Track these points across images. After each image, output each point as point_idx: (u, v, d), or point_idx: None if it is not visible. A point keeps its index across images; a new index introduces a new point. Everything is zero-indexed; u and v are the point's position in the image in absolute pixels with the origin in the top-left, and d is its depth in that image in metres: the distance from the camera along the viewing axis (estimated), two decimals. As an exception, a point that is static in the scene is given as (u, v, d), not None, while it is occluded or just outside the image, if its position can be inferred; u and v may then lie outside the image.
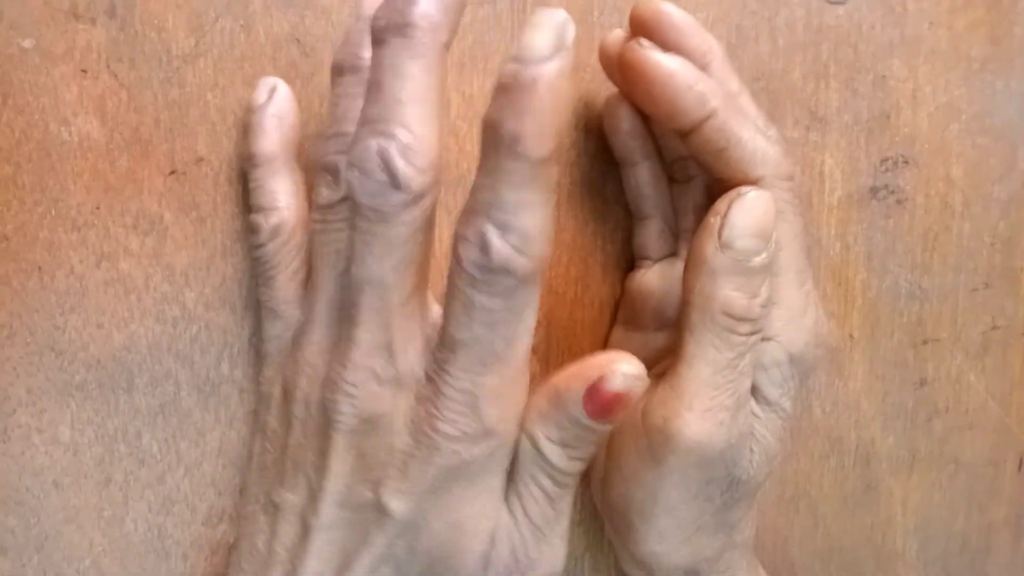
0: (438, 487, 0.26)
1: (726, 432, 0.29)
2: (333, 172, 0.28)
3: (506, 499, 0.28)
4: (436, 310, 0.28)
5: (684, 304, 0.30)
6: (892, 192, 0.39)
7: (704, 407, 0.29)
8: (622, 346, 0.35)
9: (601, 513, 0.35)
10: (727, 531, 0.32)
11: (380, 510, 0.27)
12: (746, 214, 0.28)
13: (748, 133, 0.30)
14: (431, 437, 0.26)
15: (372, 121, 0.24)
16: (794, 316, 0.31)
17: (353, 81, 0.29)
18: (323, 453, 0.27)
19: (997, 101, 0.40)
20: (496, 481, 0.27)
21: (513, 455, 0.27)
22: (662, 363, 0.32)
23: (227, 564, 0.32)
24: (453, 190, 0.34)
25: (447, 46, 0.25)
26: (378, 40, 0.25)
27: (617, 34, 0.32)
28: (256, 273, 0.31)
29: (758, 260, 0.29)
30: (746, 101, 0.32)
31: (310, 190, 0.30)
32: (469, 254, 0.24)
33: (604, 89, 0.34)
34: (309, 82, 0.33)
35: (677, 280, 0.33)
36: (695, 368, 0.29)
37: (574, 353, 0.35)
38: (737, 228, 0.28)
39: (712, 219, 0.29)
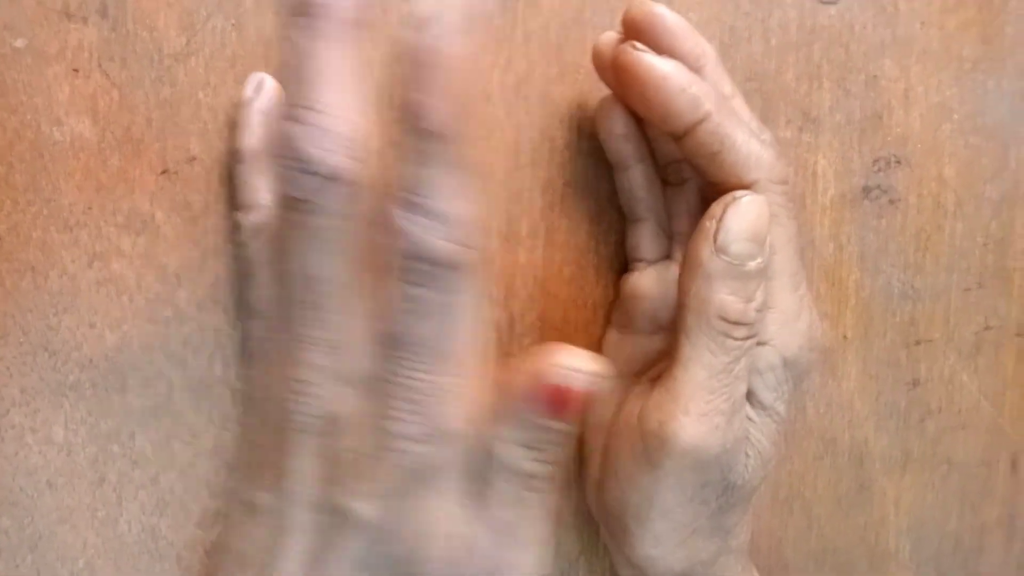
0: (399, 489, 0.25)
1: (722, 436, 0.29)
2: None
3: (471, 503, 0.26)
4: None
5: (679, 308, 0.30)
6: (885, 192, 0.39)
7: (700, 411, 0.29)
8: (616, 349, 0.35)
9: (596, 517, 0.35)
10: (722, 535, 0.32)
11: (343, 513, 0.26)
12: (741, 218, 0.28)
13: (742, 136, 0.30)
14: (385, 438, 0.25)
15: (283, 106, 0.23)
16: (788, 320, 0.31)
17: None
18: (287, 454, 0.26)
19: (989, 101, 0.40)
20: (457, 483, 0.26)
21: (476, 456, 0.26)
22: (657, 367, 0.32)
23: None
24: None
25: (359, 22, 0.23)
26: (286, 22, 0.24)
27: (610, 36, 0.32)
28: (239, 271, 0.31)
29: (753, 264, 0.29)
30: (739, 104, 0.32)
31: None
32: (397, 244, 0.23)
33: (597, 91, 0.34)
34: (300, 81, 0.32)
35: (671, 283, 0.33)
36: (691, 372, 0.29)
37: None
38: (732, 232, 0.28)
39: (708, 223, 0.29)
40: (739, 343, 0.29)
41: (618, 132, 0.33)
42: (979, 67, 0.40)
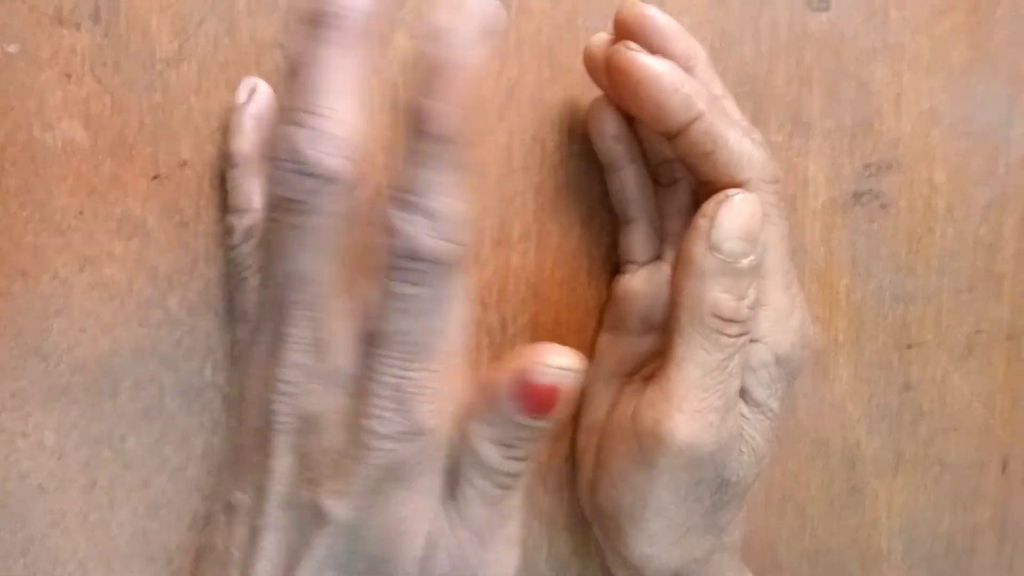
0: (373, 488, 0.25)
1: (716, 433, 0.29)
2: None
3: (444, 501, 0.26)
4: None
5: (673, 306, 0.30)
6: (876, 196, 0.39)
7: (694, 408, 0.29)
8: (609, 350, 0.35)
9: (589, 517, 0.35)
10: (716, 533, 0.32)
11: (318, 512, 0.26)
12: (734, 216, 0.29)
13: (734, 136, 0.30)
14: (361, 436, 0.25)
15: (283, 110, 0.24)
16: (781, 318, 0.31)
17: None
18: (266, 453, 0.26)
19: (978, 105, 0.40)
20: (432, 482, 0.26)
21: (451, 455, 0.26)
22: (650, 366, 0.33)
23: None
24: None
25: (368, 32, 0.24)
26: (295, 30, 0.24)
27: (602, 37, 0.32)
28: (230, 275, 0.31)
29: (746, 262, 0.29)
30: (730, 105, 0.32)
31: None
32: (386, 241, 0.24)
33: (589, 93, 0.34)
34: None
35: (663, 284, 0.33)
36: (684, 370, 0.29)
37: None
38: (725, 230, 0.28)
39: (701, 221, 0.29)
40: (732, 340, 0.29)
41: (609, 133, 0.34)
42: (969, 72, 0.40)
